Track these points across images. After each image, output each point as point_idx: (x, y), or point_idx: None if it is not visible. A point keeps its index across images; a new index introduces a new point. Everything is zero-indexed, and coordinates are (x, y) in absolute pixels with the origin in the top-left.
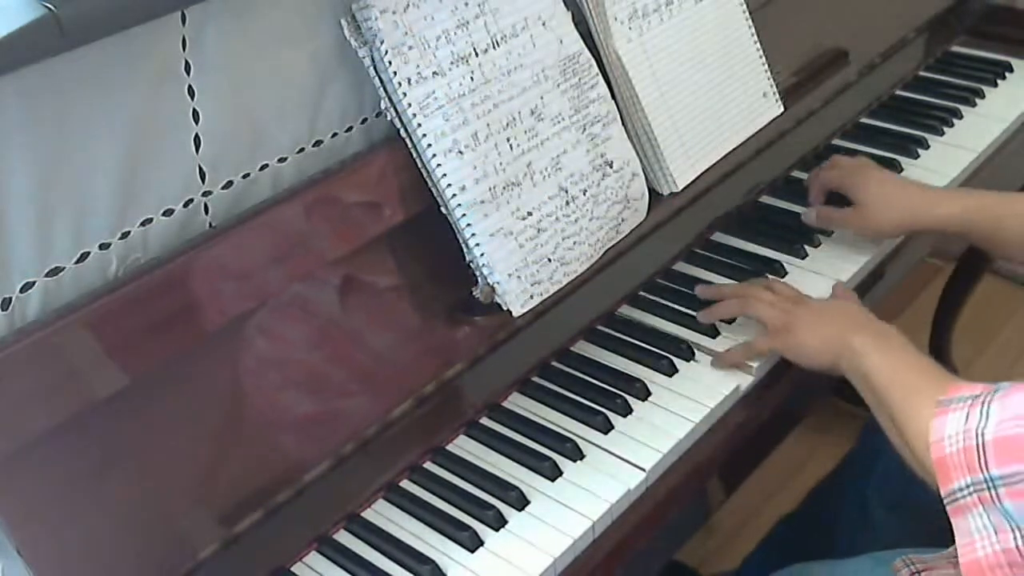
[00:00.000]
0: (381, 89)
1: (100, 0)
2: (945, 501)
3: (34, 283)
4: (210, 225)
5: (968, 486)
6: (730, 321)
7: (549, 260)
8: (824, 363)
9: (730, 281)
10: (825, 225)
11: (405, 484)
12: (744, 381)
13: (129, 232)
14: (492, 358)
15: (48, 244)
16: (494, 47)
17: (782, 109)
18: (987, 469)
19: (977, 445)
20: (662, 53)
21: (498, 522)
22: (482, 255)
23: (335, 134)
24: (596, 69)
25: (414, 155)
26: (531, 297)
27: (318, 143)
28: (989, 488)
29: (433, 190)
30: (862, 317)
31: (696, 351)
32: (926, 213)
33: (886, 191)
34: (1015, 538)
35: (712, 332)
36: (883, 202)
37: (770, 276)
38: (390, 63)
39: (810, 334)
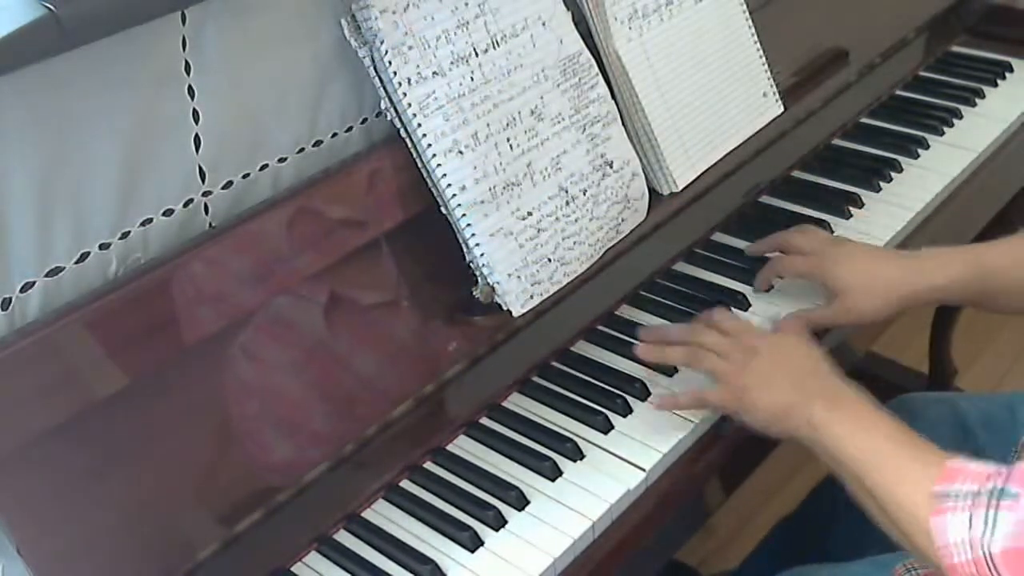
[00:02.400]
0: (381, 89)
1: (100, 0)
2: None
3: (34, 283)
4: (210, 225)
5: None
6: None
7: (549, 260)
8: (777, 434)
9: (731, 281)
10: (814, 323)
11: (405, 484)
12: None
13: (129, 232)
14: (492, 358)
15: (48, 244)
16: (494, 47)
17: (782, 109)
18: None
19: (985, 557)
20: (662, 53)
21: (498, 522)
22: (482, 255)
23: (335, 134)
24: (596, 69)
25: (414, 155)
26: (531, 297)
27: (318, 143)
28: None
29: (433, 190)
30: (817, 370)
31: None
32: (914, 286)
33: (866, 276)
34: None
35: None
36: (867, 287)
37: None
38: (390, 63)
39: (762, 395)
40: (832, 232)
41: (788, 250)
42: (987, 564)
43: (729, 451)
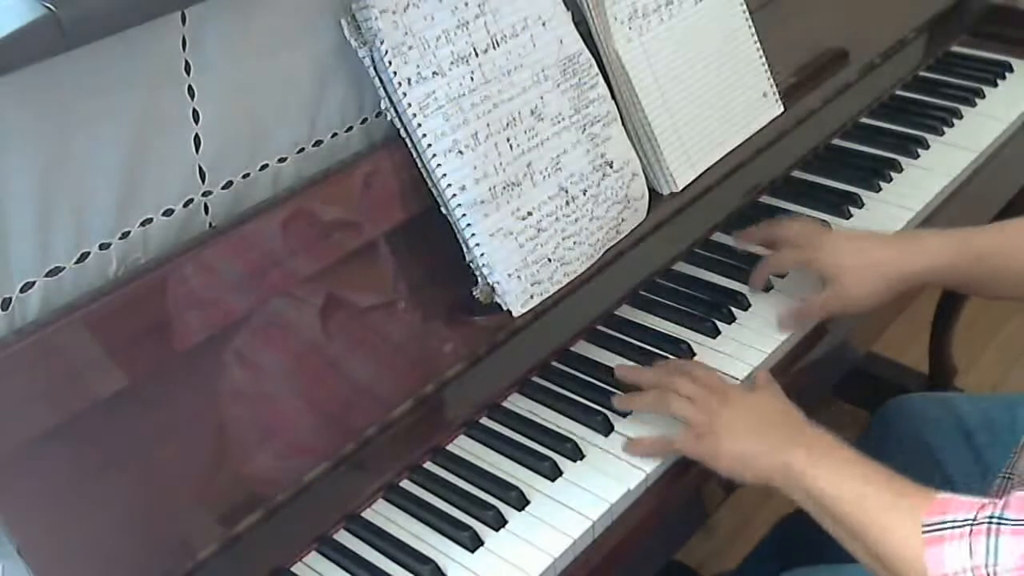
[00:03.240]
0: (381, 89)
1: (100, 0)
2: None
3: (34, 283)
4: (210, 225)
5: None
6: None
7: (549, 260)
8: (748, 480)
9: (731, 281)
10: (800, 323)
11: (405, 484)
12: (745, 379)
13: (129, 232)
14: (492, 358)
15: (48, 244)
16: (494, 47)
17: (782, 109)
18: None
19: None
20: (662, 53)
21: (498, 522)
22: (482, 255)
23: (335, 134)
24: (596, 69)
25: (414, 155)
26: (531, 297)
27: (318, 143)
28: None
29: (433, 190)
30: (789, 421)
31: (696, 351)
32: (905, 268)
33: (856, 258)
34: None
35: (713, 332)
36: (858, 270)
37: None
38: (390, 63)
39: (731, 443)
40: None
41: (777, 244)
42: None
43: None
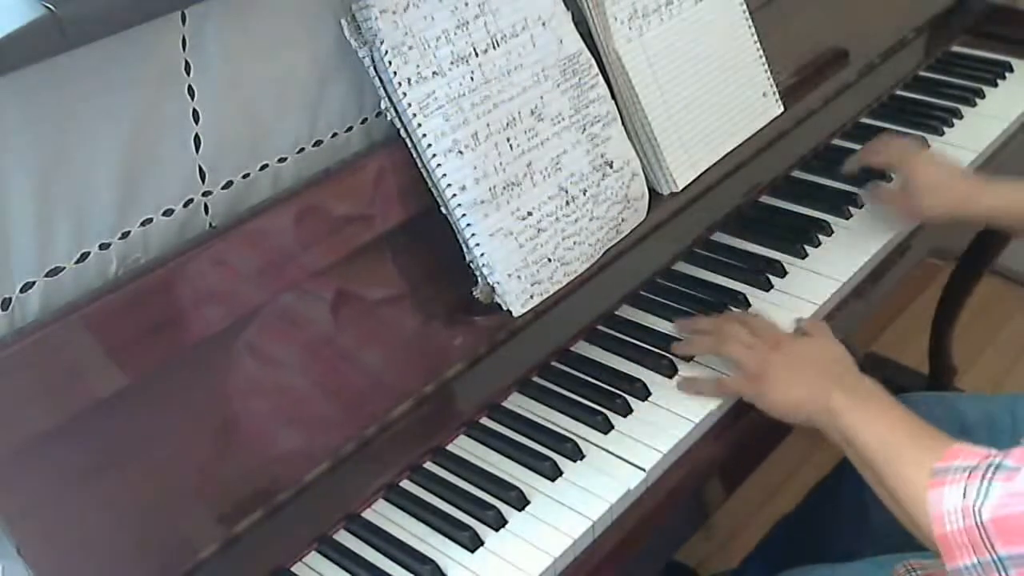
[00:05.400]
0: (381, 89)
1: (100, 0)
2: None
3: (34, 283)
4: (210, 225)
5: (975, 565)
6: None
7: (549, 260)
8: (794, 420)
9: (731, 281)
10: (874, 200)
11: (405, 484)
12: None
13: (129, 232)
14: (492, 358)
15: (48, 244)
16: (494, 47)
17: (782, 109)
18: (994, 551)
19: (976, 524)
20: (662, 53)
21: (498, 522)
22: (482, 255)
23: (335, 134)
24: (596, 69)
25: (414, 155)
26: (531, 297)
27: (318, 143)
28: (998, 569)
29: (433, 190)
30: (838, 366)
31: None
32: (975, 203)
33: (936, 180)
34: None
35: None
36: (932, 190)
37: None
38: (390, 63)
39: (782, 386)
40: (832, 231)
41: (884, 147)
42: (979, 532)
43: (729, 451)
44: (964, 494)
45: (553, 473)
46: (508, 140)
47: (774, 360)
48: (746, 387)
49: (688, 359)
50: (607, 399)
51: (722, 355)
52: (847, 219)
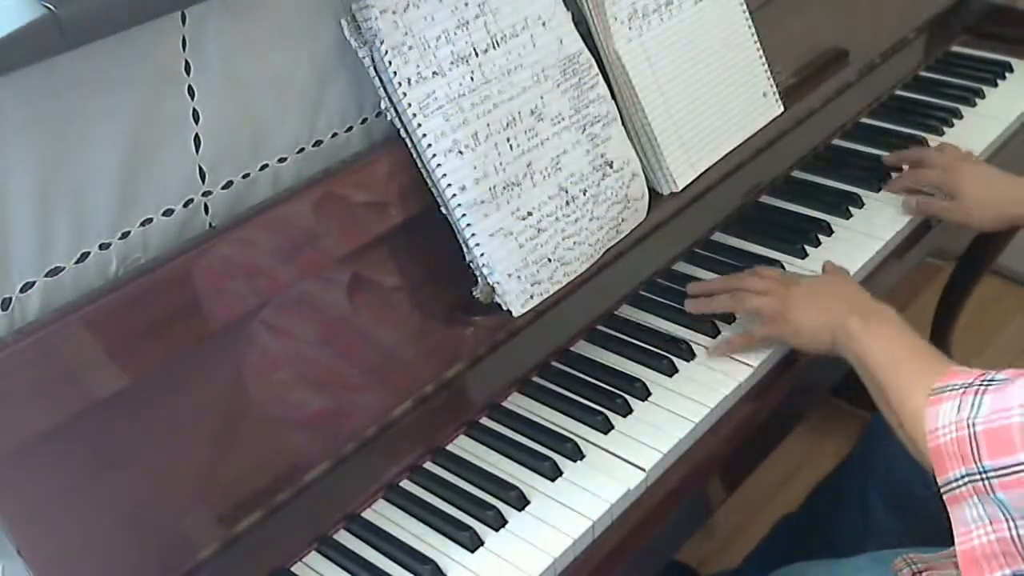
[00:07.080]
0: (381, 89)
1: (100, 0)
2: (942, 490)
3: (34, 283)
4: (210, 225)
5: (963, 476)
6: (730, 321)
7: (549, 260)
8: (821, 345)
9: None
10: (923, 214)
11: (405, 484)
12: (744, 381)
13: (129, 232)
14: (492, 358)
15: (48, 244)
16: (494, 47)
17: (782, 109)
18: (980, 461)
19: (969, 436)
20: (662, 53)
21: (498, 522)
22: (482, 255)
23: (335, 134)
24: (596, 69)
25: (414, 155)
26: (531, 297)
27: (318, 143)
28: (983, 479)
29: (433, 190)
30: (856, 294)
31: (696, 351)
32: (1016, 206)
33: (983, 190)
34: (1009, 528)
35: (712, 332)
36: (981, 200)
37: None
38: (390, 63)
39: (805, 315)
40: (832, 231)
41: (923, 164)
42: (970, 441)
43: (729, 451)
44: (959, 408)
45: (553, 473)
46: (508, 140)
47: (792, 294)
48: (772, 328)
49: (691, 356)
50: (607, 399)
51: (740, 310)
52: (847, 219)
